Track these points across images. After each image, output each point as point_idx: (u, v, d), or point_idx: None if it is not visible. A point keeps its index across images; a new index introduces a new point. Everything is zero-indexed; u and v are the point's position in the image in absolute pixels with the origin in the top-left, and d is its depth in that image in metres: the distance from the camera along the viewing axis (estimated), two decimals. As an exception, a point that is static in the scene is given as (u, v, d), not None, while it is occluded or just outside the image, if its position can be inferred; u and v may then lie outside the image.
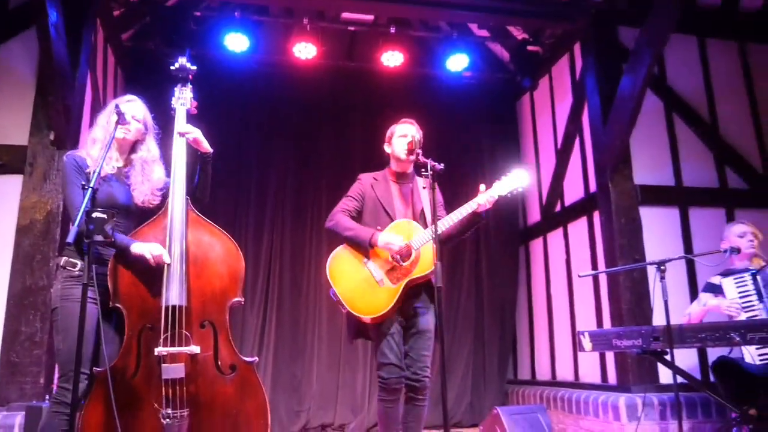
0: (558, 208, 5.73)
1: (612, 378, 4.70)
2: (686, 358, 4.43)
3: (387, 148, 3.28)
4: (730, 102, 5.21)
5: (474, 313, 6.01)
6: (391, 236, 2.97)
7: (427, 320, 3.05)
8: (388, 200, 3.15)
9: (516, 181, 3.09)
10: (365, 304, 2.95)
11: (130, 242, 2.55)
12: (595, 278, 4.97)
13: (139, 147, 2.82)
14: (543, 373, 5.78)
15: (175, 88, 2.91)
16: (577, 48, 5.43)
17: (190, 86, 2.92)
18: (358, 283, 2.99)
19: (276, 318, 5.48)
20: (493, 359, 5.97)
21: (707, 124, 5.10)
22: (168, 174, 2.82)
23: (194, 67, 2.94)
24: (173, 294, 2.51)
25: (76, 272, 2.52)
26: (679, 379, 3.34)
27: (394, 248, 2.93)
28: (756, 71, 5.32)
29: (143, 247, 2.54)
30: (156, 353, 2.47)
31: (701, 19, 5.24)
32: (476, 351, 5.94)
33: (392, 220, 3.10)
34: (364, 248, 3.02)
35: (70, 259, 2.55)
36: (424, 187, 3.23)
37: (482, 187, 3.03)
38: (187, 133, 2.78)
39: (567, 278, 5.47)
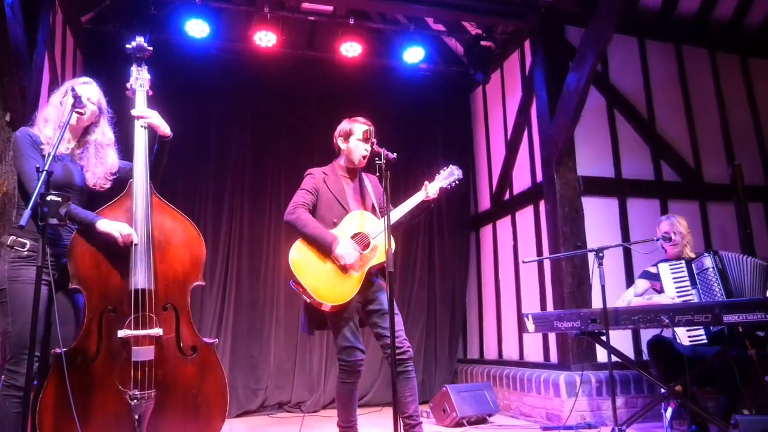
0: (507, 196, 5.89)
1: (554, 357, 4.90)
2: (621, 338, 4.65)
3: (342, 144, 3.34)
4: (666, 100, 5.46)
5: (426, 295, 6.17)
6: (348, 249, 3.03)
7: (386, 299, 3.12)
8: (341, 194, 3.24)
9: (451, 175, 3.30)
10: (331, 293, 3.01)
11: (96, 218, 2.52)
12: (540, 264, 5.15)
13: (93, 129, 2.78)
14: (490, 352, 5.97)
15: (132, 69, 2.87)
16: (527, 44, 5.58)
17: (146, 67, 2.88)
18: (323, 272, 3.05)
19: (234, 301, 5.53)
20: (443, 340, 6.15)
21: (645, 121, 5.33)
22: (121, 158, 2.83)
23: (150, 48, 2.90)
24: (140, 278, 2.52)
25: (25, 253, 2.47)
26: (614, 358, 3.56)
27: (346, 261, 3.02)
28: (690, 72, 5.60)
29: (111, 226, 2.51)
30: (121, 336, 2.47)
31: (642, 22, 5.49)
32: (428, 332, 6.11)
33: (347, 211, 3.20)
34: (322, 249, 3.08)
35: (19, 239, 2.48)
36: (378, 175, 3.37)
37: (426, 183, 3.22)
38: (145, 118, 2.76)
39: (514, 263, 5.65)
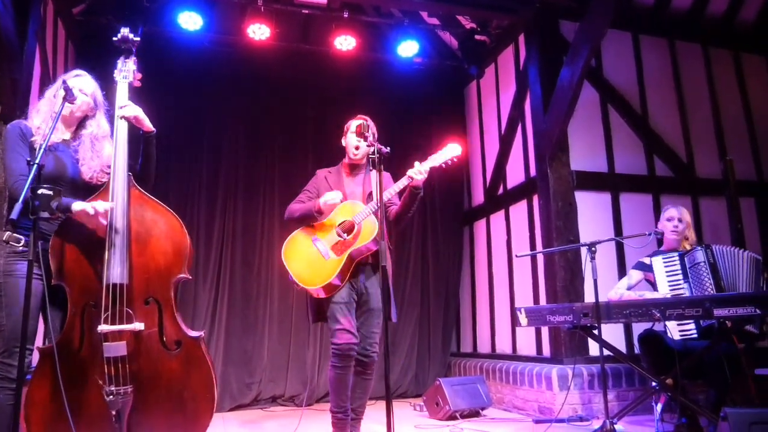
0: (501, 191, 5.90)
1: (546, 351, 4.93)
2: (613, 332, 4.70)
3: (342, 141, 3.48)
4: (659, 95, 5.47)
5: (420, 289, 6.19)
6: (328, 194, 3.18)
7: (377, 299, 3.24)
8: (340, 187, 3.35)
9: (448, 152, 3.27)
10: (312, 276, 3.15)
11: (71, 202, 2.49)
12: (533, 258, 5.16)
13: (88, 122, 2.78)
14: (484, 346, 6.00)
15: (118, 61, 2.84)
16: (521, 39, 5.58)
17: (133, 58, 2.87)
18: (307, 260, 3.20)
19: (228, 294, 5.52)
20: (437, 334, 6.18)
21: (638, 116, 5.35)
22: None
23: (137, 39, 2.88)
24: (115, 272, 2.49)
25: (20, 248, 2.48)
26: (606, 352, 3.59)
27: (335, 201, 3.16)
28: (683, 67, 5.62)
29: (85, 204, 2.49)
30: (99, 331, 2.45)
31: (636, 17, 5.49)
32: (422, 326, 6.14)
33: None
34: (313, 219, 3.24)
35: (14, 234, 2.50)
36: (370, 170, 3.41)
37: (417, 162, 3.21)
38: (124, 115, 2.72)
39: (507, 258, 5.67)
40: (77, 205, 2.49)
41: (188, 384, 2.57)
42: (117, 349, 2.45)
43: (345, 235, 3.19)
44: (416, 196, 3.25)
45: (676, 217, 3.89)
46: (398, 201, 3.35)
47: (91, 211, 2.47)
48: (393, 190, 3.22)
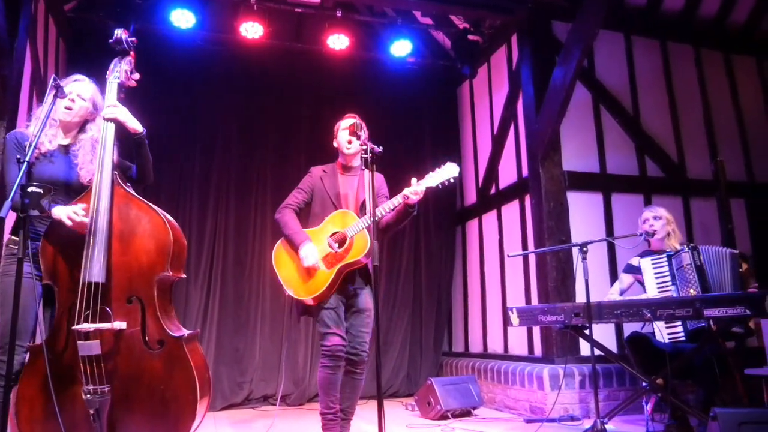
0: (493, 191, 5.91)
1: (538, 350, 4.93)
2: (604, 332, 4.70)
3: (334, 143, 3.45)
4: (651, 96, 5.49)
5: (412, 289, 6.19)
6: (309, 252, 3.14)
7: (365, 300, 3.25)
8: (335, 191, 3.34)
9: (446, 173, 3.17)
10: (302, 287, 3.16)
11: (52, 207, 2.49)
12: (525, 258, 5.17)
13: (88, 127, 2.80)
14: (475, 345, 6.01)
15: (113, 62, 2.85)
16: (514, 39, 5.59)
17: (129, 59, 2.87)
18: (296, 269, 3.20)
19: (220, 294, 5.51)
20: (429, 333, 6.18)
21: (630, 116, 5.37)
22: (120, 154, 2.81)
23: (133, 39, 2.87)
24: (93, 271, 2.49)
25: (16, 249, 2.49)
26: (597, 352, 3.60)
27: (304, 263, 3.14)
28: (675, 68, 5.64)
29: (61, 211, 2.50)
30: (75, 329, 2.45)
31: (628, 18, 5.51)
32: (413, 325, 6.14)
33: (337, 209, 3.28)
34: (295, 248, 3.22)
35: (13, 237, 2.56)
36: (363, 169, 3.39)
37: (414, 180, 3.14)
38: (104, 116, 2.71)
39: (499, 257, 5.68)
40: (55, 212, 2.51)
41: (170, 384, 2.54)
42: (90, 347, 2.44)
43: (336, 246, 3.17)
44: (409, 215, 3.21)
45: (650, 216, 3.92)
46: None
47: (65, 220, 2.49)
48: (387, 207, 3.14)
